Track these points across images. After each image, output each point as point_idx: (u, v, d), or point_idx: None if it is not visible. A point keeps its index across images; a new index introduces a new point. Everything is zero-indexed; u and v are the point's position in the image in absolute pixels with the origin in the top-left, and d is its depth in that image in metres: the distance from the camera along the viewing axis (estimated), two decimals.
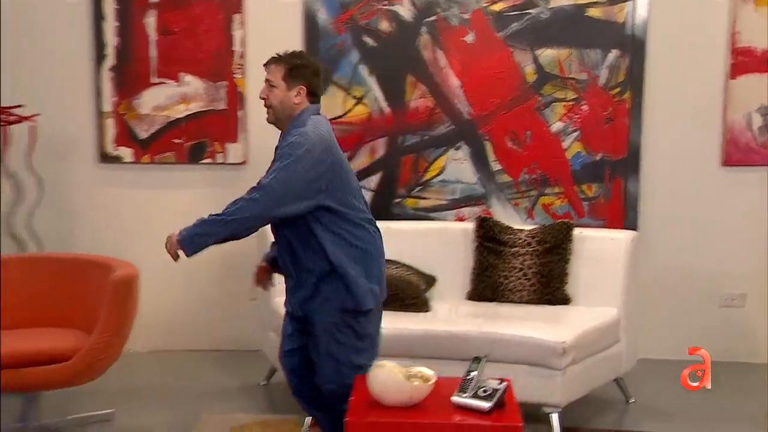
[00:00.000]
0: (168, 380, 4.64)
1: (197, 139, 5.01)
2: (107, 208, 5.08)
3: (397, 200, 5.03)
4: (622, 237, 4.39)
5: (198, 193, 5.05)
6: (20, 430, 3.78)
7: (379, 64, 4.96)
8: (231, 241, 3.17)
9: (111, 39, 4.93)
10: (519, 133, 4.96)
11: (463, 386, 2.84)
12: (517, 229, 4.50)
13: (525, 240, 4.42)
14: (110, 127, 5.00)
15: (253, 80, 4.97)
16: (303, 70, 3.25)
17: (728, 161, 4.90)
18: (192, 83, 4.97)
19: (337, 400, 3.12)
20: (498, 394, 2.78)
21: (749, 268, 4.94)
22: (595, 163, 4.93)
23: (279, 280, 3.36)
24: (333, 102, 4.96)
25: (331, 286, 3.15)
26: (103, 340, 3.63)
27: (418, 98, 4.98)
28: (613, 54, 4.86)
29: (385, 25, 4.94)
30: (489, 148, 4.98)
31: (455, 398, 2.82)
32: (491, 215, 4.83)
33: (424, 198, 5.03)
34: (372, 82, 4.97)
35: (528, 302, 4.31)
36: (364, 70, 4.96)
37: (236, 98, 4.97)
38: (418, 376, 2.86)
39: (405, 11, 4.92)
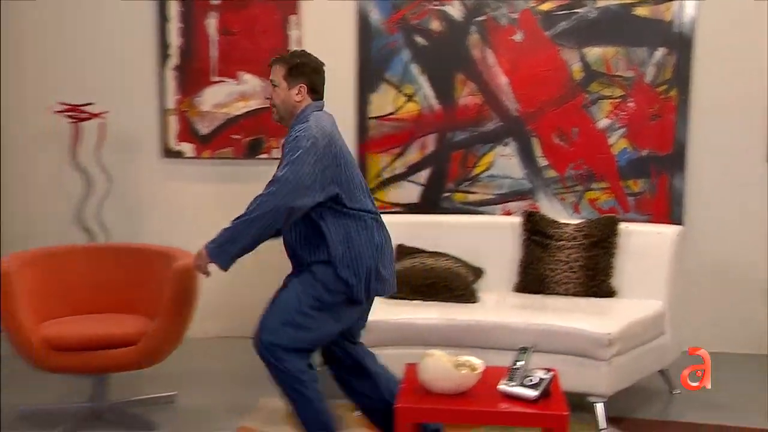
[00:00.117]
0: (227, 365, 4.69)
1: (254, 135, 5.05)
2: (170, 200, 5.15)
3: (446, 194, 5.02)
4: (667, 231, 4.32)
5: (254, 186, 5.02)
6: (91, 409, 3.85)
7: (429, 63, 4.95)
8: (260, 244, 3.12)
9: (175, 40, 4.99)
10: (566, 130, 4.91)
11: (510, 375, 2.82)
12: (563, 223, 4.46)
13: (571, 234, 4.38)
14: (173, 124, 5.06)
15: None
16: (303, 68, 3.24)
17: None
18: (250, 81, 5.01)
19: (258, 350, 3.12)
20: (544, 384, 2.76)
21: None
22: (641, 159, 4.86)
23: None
24: (384, 99, 4.97)
25: (319, 268, 3.12)
26: (166, 326, 3.68)
27: (467, 96, 4.95)
28: (660, 52, 4.78)
29: (435, 25, 4.92)
30: (536, 144, 4.93)
31: (502, 387, 2.80)
32: (538, 210, 4.80)
33: (473, 192, 5.01)
34: (423, 80, 4.96)
35: (574, 294, 4.27)
36: (415, 69, 4.95)
37: None
38: (466, 365, 2.85)
39: (455, 11, 4.90)
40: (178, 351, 3.86)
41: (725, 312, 4.90)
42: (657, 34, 4.77)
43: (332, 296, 3.11)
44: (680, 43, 4.75)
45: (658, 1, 4.74)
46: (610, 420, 3.75)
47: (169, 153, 5.10)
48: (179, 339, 3.80)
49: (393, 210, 5.00)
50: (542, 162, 4.94)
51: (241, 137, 5.04)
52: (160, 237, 4.70)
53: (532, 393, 2.74)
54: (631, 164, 4.87)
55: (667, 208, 4.84)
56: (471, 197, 5.00)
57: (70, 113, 4.74)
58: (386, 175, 5.02)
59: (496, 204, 4.99)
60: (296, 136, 3.07)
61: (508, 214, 4.90)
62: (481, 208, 4.98)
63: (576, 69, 4.85)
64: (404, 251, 4.44)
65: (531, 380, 2.78)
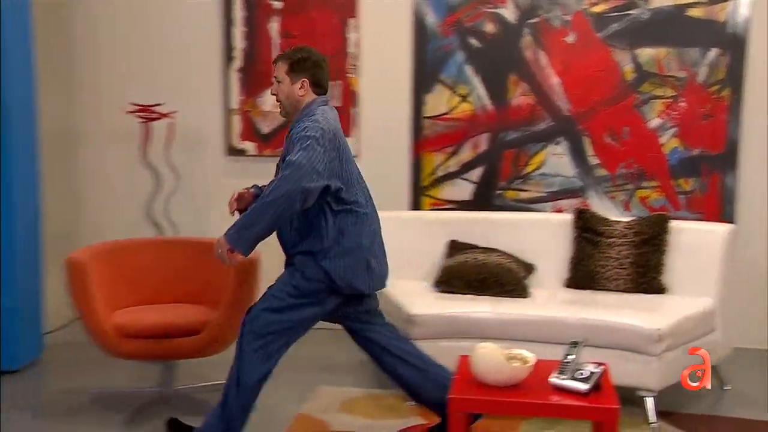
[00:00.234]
0: (286, 354, 4.71)
1: None
2: None
3: (498, 192, 4.98)
4: (718, 229, 4.22)
5: None
6: (159, 393, 3.92)
7: (483, 64, 4.92)
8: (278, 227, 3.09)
9: (239, 43, 5.04)
10: (617, 129, 4.83)
11: (561, 369, 2.79)
12: (614, 221, 4.39)
13: (622, 231, 4.30)
14: (236, 123, 5.12)
15: (366, 80, 5.01)
16: (304, 63, 3.20)
17: None
18: None
19: (241, 341, 3.15)
20: (595, 377, 2.72)
21: None
22: (692, 158, 4.76)
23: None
24: (439, 100, 4.95)
25: (301, 259, 3.13)
26: (228, 316, 3.70)
27: (519, 96, 4.91)
28: (713, 52, 4.67)
29: (489, 27, 4.88)
30: (587, 143, 4.87)
31: (554, 380, 2.77)
32: (589, 207, 4.73)
33: (524, 190, 4.96)
34: (476, 81, 4.93)
35: (624, 291, 4.20)
36: (469, 70, 4.93)
37: (349, 96, 5.01)
38: (518, 358, 2.83)
39: (509, 13, 4.85)
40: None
41: None
42: (710, 35, 4.66)
43: (310, 284, 3.12)
44: (734, 44, 4.63)
45: (712, 1, 4.64)
46: (660, 414, 3.69)
47: (233, 151, 5.15)
48: (239, 329, 3.83)
49: (446, 207, 4.98)
50: (593, 161, 4.87)
51: None
52: (223, 231, 4.76)
53: (583, 386, 2.70)
54: (682, 163, 4.77)
55: (718, 207, 4.73)
56: (522, 195, 4.96)
57: (141, 113, 4.83)
58: (440, 173, 5.00)
59: (547, 202, 4.93)
60: (305, 126, 3.05)
61: (559, 211, 4.84)
62: (532, 206, 4.93)
63: (628, 70, 4.77)
64: (457, 247, 4.42)
65: (582, 374, 2.75)
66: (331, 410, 3.80)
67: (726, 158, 4.71)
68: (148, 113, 4.84)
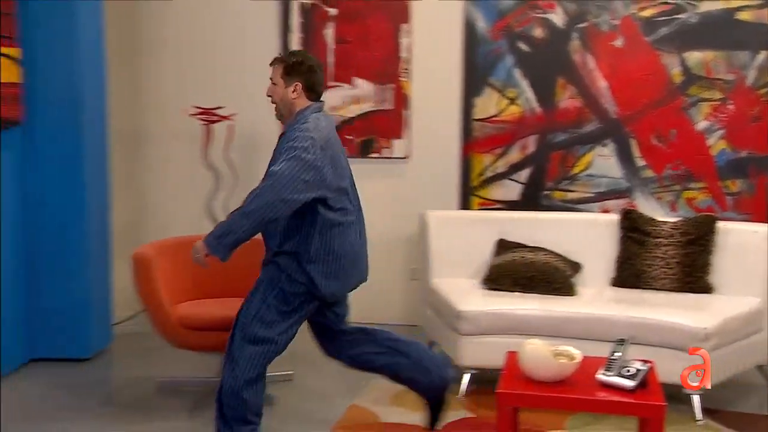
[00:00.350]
0: None
1: (367, 136, 5.10)
2: None
3: (546, 192, 4.94)
4: (766, 230, 4.12)
5: (366, 183, 5.09)
6: (218, 383, 3.96)
7: (531, 68, 4.88)
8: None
9: (295, 48, 5.08)
10: (664, 132, 4.76)
11: (608, 365, 2.75)
12: (661, 221, 4.32)
13: (668, 231, 4.24)
14: None
15: (418, 83, 5.01)
16: (299, 67, 3.17)
17: None
18: (363, 86, 5.06)
19: (232, 344, 3.11)
20: (642, 374, 2.68)
21: None
22: (740, 160, 4.66)
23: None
24: (488, 102, 4.93)
25: (284, 259, 3.08)
26: None
27: (567, 99, 4.86)
28: (763, 55, 4.56)
29: (538, 32, 4.85)
30: (634, 145, 4.80)
31: (600, 376, 2.74)
32: (635, 208, 4.66)
33: (571, 191, 4.91)
34: (525, 85, 4.90)
35: (670, 290, 4.13)
36: (517, 73, 4.89)
37: (402, 99, 5.02)
38: (565, 355, 2.81)
39: (558, 19, 4.81)
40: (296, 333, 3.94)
41: None
42: (759, 38, 4.55)
43: (294, 286, 3.07)
44: None
45: (761, 5, 4.53)
46: (707, 412, 3.62)
47: None
48: None
49: (494, 207, 4.96)
50: (640, 162, 4.80)
51: (354, 137, 5.10)
52: None
53: (629, 383, 2.67)
54: (729, 165, 4.67)
55: (766, 208, 4.62)
56: (570, 195, 4.91)
57: (202, 116, 4.90)
58: (489, 173, 4.98)
59: (594, 202, 4.88)
60: (296, 136, 3.00)
61: (606, 211, 4.78)
62: (579, 206, 4.88)
63: (676, 73, 4.69)
64: (505, 245, 4.40)
65: (628, 371, 2.71)
66: (382, 403, 3.81)
67: None
68: (209, 116, 4.91)
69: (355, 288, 3.26)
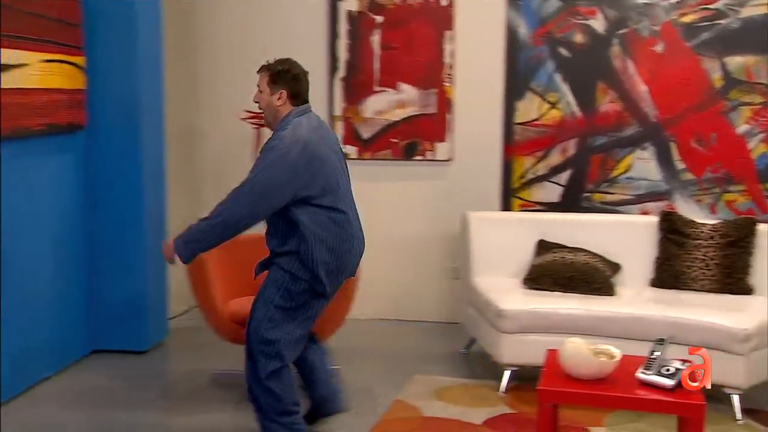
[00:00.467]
0: (384, 344, 4.76)
1: (410, 139, 5.10)
2: None
3: (586, 195, 4.89)
4: None
5: (410, 185, 5.16)
6: None
7: (572, 73, 4.84)
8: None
9: (343, 54, 5.11)
10: (704, 135, 4.68)
11: (647, 364, 2.73)
12: (700, 223, 4.25)
13: (708, 233, 4.17)
14: (339, 128, 5.19)
15: (461, 88, 5.00)
16: (284, 75, 3.17)
17: None
18: (407, 91, 5.06)
19: (249, 345, 3.11)
20: (681, 374, 2.65)
21: None
22: None
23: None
24: (530, 106, 4.90)
25: (285, 259, 3.08)
26: (330, 307, 3.72)
27: (607, 103, 4.81)
28: None
29: (579, 38, 4.80)
30: (674, 148, 4.73)
31: (640, 375, 2.71)
32: (675, 210, 4.60)
33: (611, 193, 4.86)
34: (565, 89, 4.86)
35: (709, 291, 4.06)
36: (558, 78, 4.86)
37: (445, 103, 5.02)
38: (605, 353, 2.79)
39: (598, 25, 4.76)
40: (341, 330, 3.96)
41: None
42: None
43: (298, 284, 3.06)
44: None
45: None
46: (746, 412, 3.56)
47: None
48: (342, 319, 3.88)
49: (535, 208, 4.93)
50: (679, 165, 4.73)
51: (398, 140, 5.11)
52: None
53: (669, 382, 2.64)
54: None
55: None
56: (609, 197, 4.86)
57: (253, 119, 4.95)
58: (530, 176, 4.95)
59: (633, 204, 4.82)
60: (271, 146, 3.04)
61: (645, 213, 4.72)
62: (618, 208, 4.82)
63: (716, 77, 4.61)
64: (545, 246, 4.37)
65: (668, 370, 2.68)
66: (425, 397, 3.81)
67: None
68: (259, 119, 4.95)
69: (341, 282, 3.25)
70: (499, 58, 4.94)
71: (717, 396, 3.50)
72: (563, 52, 4.84)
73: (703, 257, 4.12)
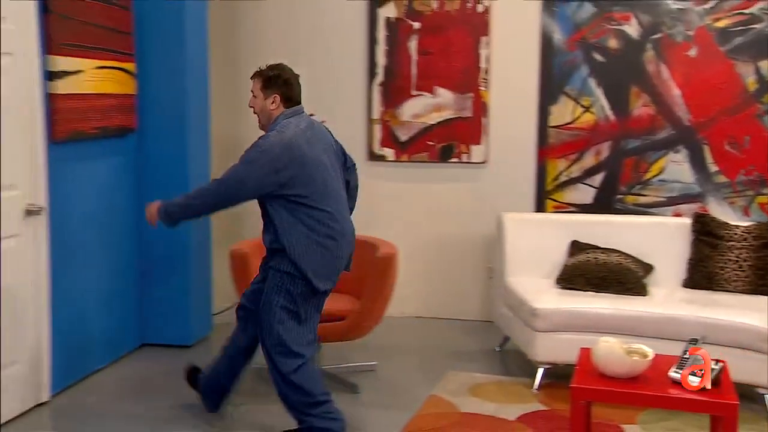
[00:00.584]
0: (420, 341, 4.78)
1: (447, 142, 5.11)
2: (374, 197, 5.27)
3: (619, 196, 4.86)
4: None
5: (446, 186, 5.17)
6: None
7: (606, 77, 4.80)
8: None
9: (381, 60, 5.14)
10: (737, 138, 4.61)
11: (680, 364, 2.71)
12: (734, 225, 4.20)
13: (741, 235, 4.11)
14: (377, 132, 5.21)
15: (496, 92, 5.00)
16: (276, 80, 3.22)
17: None
18: (444, 95, 5.07)
19: (265, 349, 3.19)
20: (714, 373, 2.63)
21: None
22: None
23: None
24: (564, 110, 4.88)
25: (278, 259, 3.15)
26: (370, 305, 3.78)
27: (640, 107, 4.77)
28: None
29: (613, 43, 4.77)
30: (707, 151, 4.67)
31: (673, 374, 2.70)
32: (708, 212, 4.54)
33: (644, 195, 4.82)
34: (599, 93, 4.83)
35: (742, 292, 4.02)
36: (592, 83, 4.83)
37: (480, 107, 5.02)
38: (638, 352, 2.77)
39: (632, 30, 4.73)
40: (379, 327, 3.99)
41: None
42: None
43: (295, 284, 3.13)
44: None
45: None
46: None
47: (374, 157, 5.25)
48: (380, 317, 3.90)
49: (568, 210, 4.91)
50: (713, 168, 4.67)
51: (435, 143, 5.12)
52: (365, 228, 4.84)
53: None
54: None
55: None
56: (642, 199, 4.82)
57: None
58: (563, 178, 4.93)
59: (666, 206, 4.77)
60: (254, 144, 3.14)
61: (678, 215, 4.67)
62: (651, 210, 4.78)
63: (750, 81, 4.55)
64: (579, 247, 4.35)
65: (701, 369, 2.65)
66: (460, 394, 3.82)
67: None
68: None
69: (330, 282, 3.26)
70: (533, 62, 4.92)
71: (750, 395, 3.46)
72: (597, 56, 4.81)
73: (736, 259, 4.07)
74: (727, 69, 4.59)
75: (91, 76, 3.91)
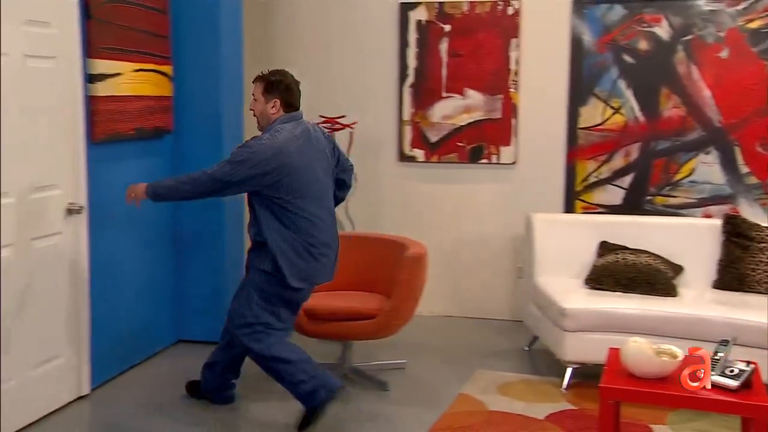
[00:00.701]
0: (449, 340, 4.76)
1: (476, 143, 5.09)
2: (404, 197, 5.29)
3: (648, 198, 4.79)
4: None
5: (475, 187, 5.14)
6: (337, 367, 4.06)
7: (636, 79, 4.75)
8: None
9: (412, 62, 5.13)
10: None
11: (711, 365, 2.66)
12: (765, 227, 4.12)
13: None
14: (408, 133, 5.21)
15: (526, 94, 4.97)
16: (277, 85, 3.24)
17: None
18: (474, 96, 5.05)
19: (234, 337, 3.35)
20: (745, 375, 2.59)
21: None
22: None
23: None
24: (593, 112, 4.83)
25: (258, 254, 3.24)
26: (399, 304, 3.77)
27: (671, 108, 4.70)
28: None
29: (643, 45, 4.71)
30: (738, 152, 4.59)
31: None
32: (739, 213, 4.46)
33: (673, 196, 4.75)
34: (629, 95, 4.77)
35: None
36: (622, 84, 4.77)
37: (510, 109, 4.99)
38: (667, 353, 2.73)
39: (663, 32, 4.66)
40: (409, 326, 3.98)
41: None
42: None
43: (271, 285, 3.24)
44: None
45: None
46: None
47: (404, 157, 5.25)
48: (410, 315, 3.89)
49: (598, 211, 4.86)
50: (744, 169, 4.59)
51: (464, 144, 5.10)
52: (395, 228, 4.86)
53: (733, 383, 2.57)
54: None
55: None
56: (672, 201, 4.75)
57: (327, 124, 5.02)
58: (592, 179, 4.88)
59: (696, 207, 4.70)
60: (245, 144, 3.22)
61: (709, 217, 4.60)
62: (681, 211, 4.71)
63: None
64: (608, 247, 4.30)
65: (732, 371, 2.61)
66: (489, 392, 3.80)
67: None
68: (333, 124, 5.03)
69: (308, 285, 3.37)
70: (563, 64, 4.88)
71: None
72: (627, 58, 4.75)
73: (767, 260, 3.99)
74: (759, 70, 4.51)
75: (129, 79, 3.96)
